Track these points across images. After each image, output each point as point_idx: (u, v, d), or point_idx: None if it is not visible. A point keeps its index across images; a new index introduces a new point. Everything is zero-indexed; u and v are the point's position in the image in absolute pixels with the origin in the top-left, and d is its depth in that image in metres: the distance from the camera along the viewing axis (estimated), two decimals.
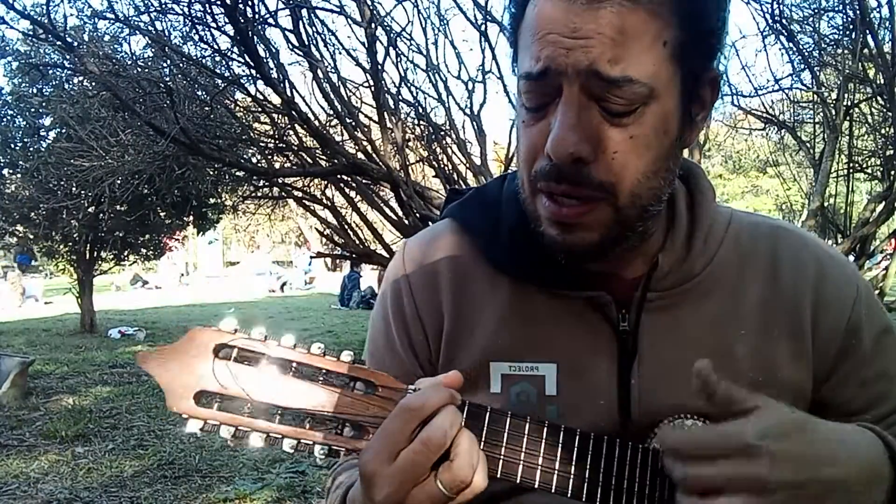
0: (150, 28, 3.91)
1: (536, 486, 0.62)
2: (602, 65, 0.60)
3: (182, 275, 23.29)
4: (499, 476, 0.61)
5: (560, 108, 0.63)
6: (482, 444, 0.61)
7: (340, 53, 3.89)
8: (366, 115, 3.84)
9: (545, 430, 0.63)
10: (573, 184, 0.64)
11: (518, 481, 0.62)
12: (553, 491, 0.63)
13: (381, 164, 3.44)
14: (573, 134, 0.62)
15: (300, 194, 5.40)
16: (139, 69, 4.44)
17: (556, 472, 0.63)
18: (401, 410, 0.57)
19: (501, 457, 0.62)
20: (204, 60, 4.35)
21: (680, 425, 0.70)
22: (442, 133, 3.83)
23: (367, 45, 3.41)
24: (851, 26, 3.61)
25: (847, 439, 0.64)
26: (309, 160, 4.21)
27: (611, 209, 0.65)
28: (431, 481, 0.57)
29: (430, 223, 3.45)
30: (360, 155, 3.66)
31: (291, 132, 4.31)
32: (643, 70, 0.61)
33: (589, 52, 0.60)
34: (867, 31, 3.32)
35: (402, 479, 0.56)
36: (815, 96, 3.85)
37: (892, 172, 3.80)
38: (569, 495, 0.63)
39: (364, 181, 4.27)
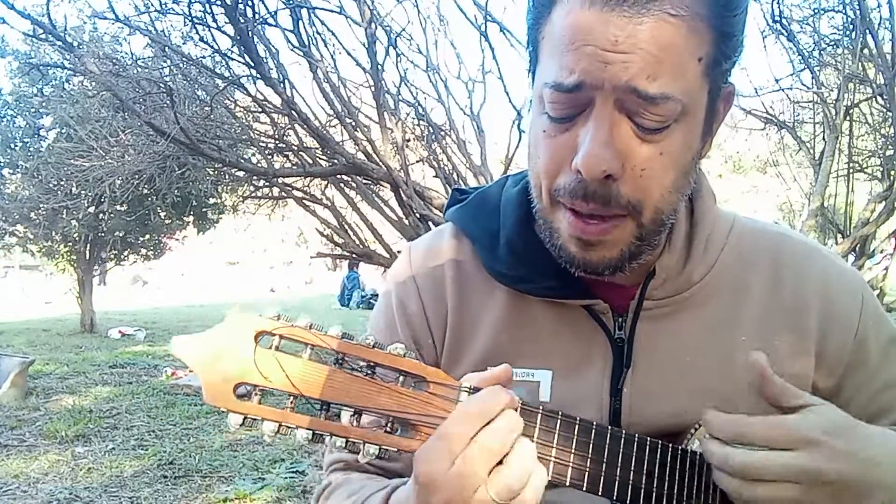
0: (150, 28, 3.91)
1: (584, 488, 0.62)
2: (640, 81, 0.58)
3: (182, 274, 23.30)
4: (549, 478, 0.60)
5: (592, 123, 0.60)
6: (553, 450, 0.61)
7: (340, 53, 3.89)
8: (366, 115, 3.84)
9: (593, 432, 0.63)
10: (601, 203, 0.62)
11: (567, 484, 0.62)
12: (600, 494, 0.63)
13: (381, 164, 3.44)
14: (606, 151, 0.60)
15: (300, 194, 5.40)
16: (139, 69, 4.44)
17: (602, 475, 0.63)
18: (464, 414, 0.55)
19: (552, 459, 0.61)
20: (204, 60, 4.35)
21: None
22: (442, 133, 3.83)
23: (367, 45, 3.41)
24: (851, 26, 3.61)
25: (889, 443, 0.66)
26: (309, 160, 4.21)
27: (634, 226, 0.65)
28: (495, 475, 0.55)
29: (430, 223, 3.45)
30: (360, 155, 3.66)
31: (291, 132, 4.31)
32: (679, 86, 0.59)
33: (628, 68, 0.57)
34: (867, 31, 3.32)
35: (460, 484, 0.54)
36: (815, 96, 3.84)
37: (892, 172, 3.80)
38: (614, 498, 0.64)
39: (364, 181, 4.27)
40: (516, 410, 0.58)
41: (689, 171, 0.66)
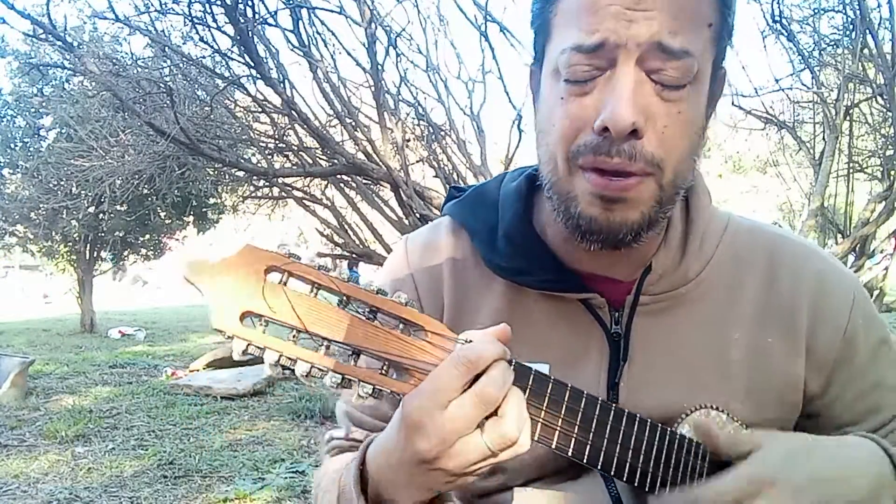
0: (150, 28, 3.91)
1: (570, 454, 0.63)
2: (665, 36, 0.60)
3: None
4: (536, 439, 0.61)
5: (617, 80, 0.62)
6: (544, 413, 0.62)
7: (340, 53, 3.90)
8: (366, 115, 3.84)
9: (584, 400, 0.64)
10: (627, 157, 0.62)
11: (553, 447, 0.62)
12: (585, 462, 0.64)
13: (381, 164, 3.44)
14: (632, 105, 0.61)
15: (300, 194, 5.41)
16: (139, 69, 4.44)
17: (589, 443, 0.63)
18: (456, 360, 0.56)
19: (541, 420, 0.62)
20: (204, 60, 4.35)
21: (706, 414, 0.71)
22: (442, 133, 3.83)
23: (367, 45, 3.41)
24: (851, 26, 3.61)
25: (850, 455, 0.67)
26: (309, 160, 4.21)
27: (656, 186, 0.65)
28: (478, 436, 0.56)
29: (429, 223, 3.44)
30: (360, 155, 3.66)
31: (291, 132, 4.31)
32: (695, 46, 0.62)
33: (652, 25, 0.60)
34: (867, 31, 3.32)
35: (449, 429, 0.55)
36: (815, 96, 3.84)
37: (892, 172, 3.80)
38: (598, 467, 0.64)
39: (364, 181, 4.28)
40: (510, 364, 0.59)
41: (699, 141, 0.67)
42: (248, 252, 0.55)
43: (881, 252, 4.04)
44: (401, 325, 0.58)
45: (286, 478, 3.62)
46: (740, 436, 0.66)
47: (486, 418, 0.56)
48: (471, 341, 0.59)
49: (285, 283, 0.56)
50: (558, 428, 0.62)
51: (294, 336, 0.56)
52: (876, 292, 3.93)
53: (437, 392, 0.55)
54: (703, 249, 0.76)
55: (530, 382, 0.61)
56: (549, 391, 0.62)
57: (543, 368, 0.74)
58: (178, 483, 3.58)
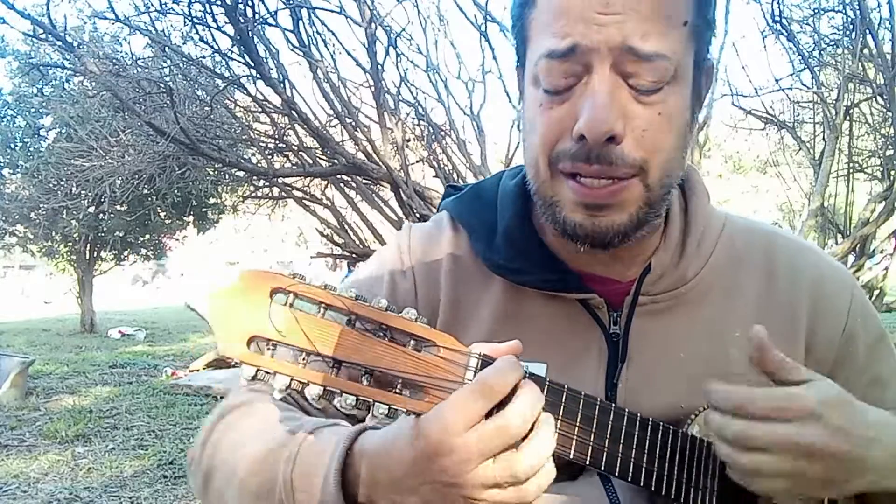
0: (150, 28, 3.91)
1: (602, 469, 0.62)
2: (635, 40, 0.60)
3: (182, 274, 23.35)
4: (571, 457, 0.60)
5: (592, 87, 0.61)
6: (558, 422, 0.60)
7: (340, 53, 3.89)
8: (366, 115, 3.84)
9: (597, 407, 0.63)
10: (606, 164, 0.62)
11: (587, 463, 0.62)
12: (602, 469, 0.63)
13: (381, 164, 3.44)
14: (609, 112, 0.60)
15: (300, 194, 5.41)
16: (139, 69, 4.44)
17: (605, 450, 0.63)
18: (480, 387, 0.54)
19: (575, 437, 0.61)
20: (204, 60, 4.35)
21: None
22: (442, 133, 3.83)
23: (367, 45, 3.41)
24: (851, 26, 3.61)
25: (884, 423, 0.65)
26: (309, 160, 4.21)
27: (642, 187, 0.64)
28: (504, 459, 0.54)
29: (431, 218, 3.43)
30: (360, 155, 3.66)
31: (291, 132, 4.31)
32: (669, 47, 0.61)
33: (622, 28, 0.59)
34: (867, 31, 3.32)
35: (473, 452, 0.53)
36: (815, 96, 3.84)
37: (892, 172, 3.81)
38: (616, 475, 0.64)
39: (364, 181, 4.27)
40: (525, 376, 0.57)
41: (685, 136, 0.67)
42: (250, 276, 0.54)
43: (881, 252, 4.04)
44: (411, 342, 0.57)
45: None
46: (792, 363, 0.63)
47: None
48: (482, 354, 0.58)
49: (292, 305, 0.54)
50: (574, 437, 0.61)
51: (304, 359, 0.54)
52: (876, 292, 3.93)
53: (458, 417, 0.53)
54: (701, 250, 0.76)
55: (545, 394, 0.59)
56: (563, 400, 0.61)
57: (541, 368, 0.74)
58: (178, 483, 3.58)
